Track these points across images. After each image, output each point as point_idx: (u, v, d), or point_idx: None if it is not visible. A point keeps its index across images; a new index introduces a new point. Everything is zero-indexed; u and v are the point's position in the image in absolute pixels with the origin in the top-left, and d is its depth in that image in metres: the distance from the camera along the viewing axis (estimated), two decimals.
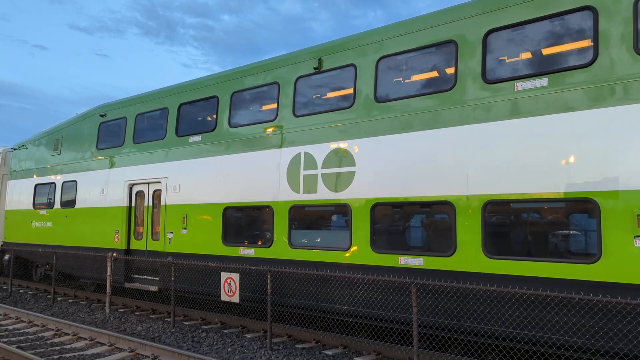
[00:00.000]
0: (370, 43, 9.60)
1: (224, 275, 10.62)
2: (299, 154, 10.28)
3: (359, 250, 9.26)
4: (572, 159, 7.22)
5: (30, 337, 10.46)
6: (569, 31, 7.55)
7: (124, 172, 14.27)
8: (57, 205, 16.47)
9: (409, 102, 8.93)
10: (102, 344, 9.87)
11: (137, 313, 13.30)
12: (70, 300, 15.40)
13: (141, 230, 13.78)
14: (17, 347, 9.39)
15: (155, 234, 13.38)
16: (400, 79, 9.17)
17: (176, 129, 12.99)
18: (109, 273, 12.95)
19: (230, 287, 10.57)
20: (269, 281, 9.55)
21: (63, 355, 8.93)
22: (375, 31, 9.67)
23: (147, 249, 13.44)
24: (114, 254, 13.18)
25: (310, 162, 10.08)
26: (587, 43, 7.37)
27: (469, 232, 8.04)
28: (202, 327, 11.56)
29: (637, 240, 6.61)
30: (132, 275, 13.87)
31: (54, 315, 12.90)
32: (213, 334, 10.81)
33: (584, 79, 7.26)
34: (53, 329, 11.16)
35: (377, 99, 9.33)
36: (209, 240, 11.83)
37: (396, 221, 9.07)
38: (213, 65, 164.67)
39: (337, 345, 9.76)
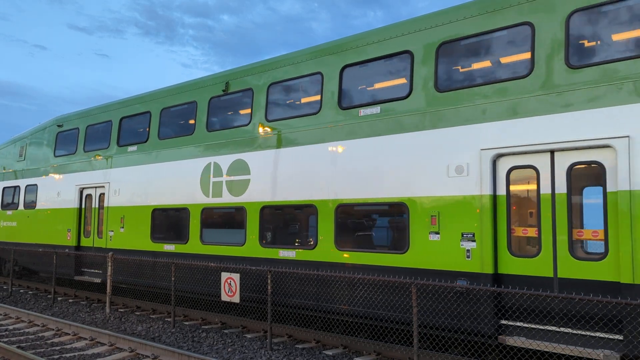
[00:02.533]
0: (264, 71, 11.38)
1: (224, 276, 10.64)
2: (210, 163, 12.06)
3: (251, 245, 11.05)
4: (392, 172, 9.10)
5: (30, 337, 10.46)
6: (395, 69, 9.42)
7: (75, 177, 16.00)
8: (21, 206, 18.33)
9: (290, 122, 10.72)
10: (103, 344, 9.88)
11: (138, 313, 13.31)
12: (70, 300, 15.40)
13: (89, 229, 15.48)
14: (18, 347, 9.40)
15: (100, 232, 15.05)
16: (285, 103, 11.00)
17: (118, 140, 14.75)
18: (109, 273, 12.99)
19: (230, 287, 10.61)
20: (269, 282, 9.55)
21: (63, 355, 8.94)
22: (267, 61, 11.53)
23: (94, 245, 15.15)
24: (112, 254, 13.22)
25: (218, 170, 11.88)
26: (404, 80, 9.21)
27: (326, 230, 9.89)
28: (203, 327, 11.57)
29: (431, 235, 8.50)
30: (82, 269, 15.56)
31: (54, 315, 12.91)
32: (213, 334, 10.82)
33: (403, 109, 9.08)
34: (53, 329, 11.17)
35: (267, 119, 11.11)
36: (140, 238, 13.56)
37: (277, 221, 10.87)
38: (213, 65, 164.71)
39: (337, 345, 9.77)
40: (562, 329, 7.20)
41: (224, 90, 11.94)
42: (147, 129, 13.77)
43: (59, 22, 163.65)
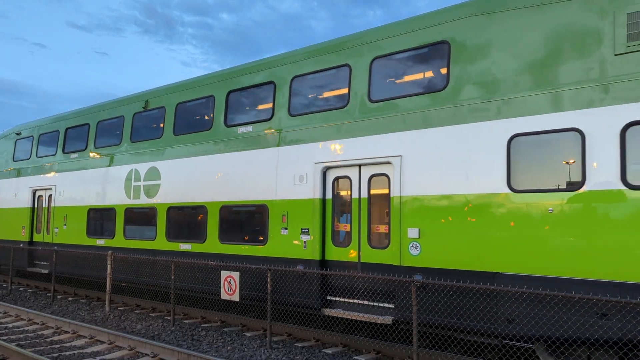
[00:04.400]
0: (173, 92, 13.47)
1: (224, 274, 10.64)
2: (132, 169, 14.11)
3: (160, 240, 13.07)
4: (258, 179, 11.15)
5: (29, 335, 10.46)
6: (263, 96, 11.51)
7: (29, 180, 18.06)
8: None
9: (190, 136, 12.80)
10: (102, 342, 9.87)
11: (137, 311, 13.30)
12: (70, 299, 15.40)
13: (40, 226, 17.47)
14: (17, 345, 9.39)
15: (48, 229, 17.04)
16: (187, 120, 13.07)
17: (63, 147, 16.78)
18: (109, 272, 12.99)
19: (230, 285, 10.62)
20: (269, 280, 9.55)
21: (63, 354, 8.93)
22: (177, 84, 13.60)
23: (44, 240, 17.19)
24: (112, 252, 13.23)
25: (137, 176, 13.93)
26: (269, 105, 11.29)
27: (213, 226, 11.89)
28: (202, 325, 11.56)
29: (282, 230, 10.62)
30: (34, 261, 17.47)
31: (54, 313, 12.90)
32: (213, 332, 10.82)
33: (268, 127, 11.17)
34: (53, 327, 11.16)
35: (175, 133, 13.16)
36: (78, 234, 15.62)
37: (179, 219, 12.79)
38: (212, 64, 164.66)
39: (337, 343, 9.76)
40: (364, 302, 9.41)
41: (144, 107, 14.16)
42: (86, 139, 15.96)
43: (58, 20, 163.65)
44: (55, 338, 10.28)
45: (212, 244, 11.88)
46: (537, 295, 7.25)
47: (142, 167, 13.77)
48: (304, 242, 10.26)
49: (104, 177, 14.93)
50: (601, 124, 7.14)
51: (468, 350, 9.44)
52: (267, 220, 10.86)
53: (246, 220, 11.42)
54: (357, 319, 9.49)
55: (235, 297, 10.50)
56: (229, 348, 9.52)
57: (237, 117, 11.90)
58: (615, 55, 7.16)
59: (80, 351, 9.18)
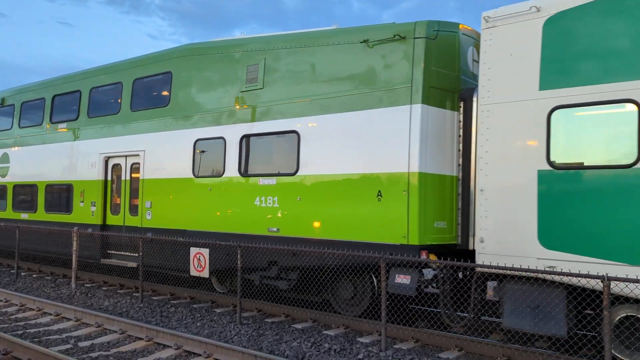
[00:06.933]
0: (19, 94, 17.15)
1: (194, 251, 10.59)
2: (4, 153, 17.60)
3: (8, 210, 16.88)
4: (67, 164, 14.78)
5: None
6: (70, 101, 15.16)
7: None
8: None
9: (28, 130, 16.49)
10: (68, 319, 9.73)
11: (104, 288, 13.15)
12: (34, 275, 15.11)
13: None
14: None
15: None
16: (27, 117, 16.64)
17: None
18: (74, 248, 12.79)
19: (200, 262, 10.59)
20: (239, 256, 9.53)
21: (27, 331, 8.77)
22: (23, 87, 17.33)
23: None
24: (77, 229, 13.01)
25: (4, 158, 17.39)
26: (75, 108, 14.99)
27: (41, 200, 15.53)
28: (171, 302, 11.51)
29: (80, 203, 14.12)
30: None
31: (18, 291, 12.63)
32: (182, 308, 10.78)
33: (72, 126, 14.88)
34: (17, 304, 10.94)
35: (20, 126, 16.85)
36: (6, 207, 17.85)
37: (20, 195, 16.41)
38: (181, 37, 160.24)
39: (306, 319, 9.86)
40: (128, 253, 12.87)
41: (1, 104, 17.85)
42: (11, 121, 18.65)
43: None
44: (20, 315, 10.08)
45: (41, 214, 15.46)
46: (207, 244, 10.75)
47: (3, 152, 17.61)
48: (92, 211, 13.83)
49: None
50: (233, 135, 11.03)
51: (435, 325, 9.67)
52: (72, 196, 14.41)
53: (61, 196, 14.94)
54: (117, 264, 13.10)
55: (205, 274, 10.47)
56: (198, 324, 9.52)
57: (59, 116, 15.42)
58: (241, 92, 10.98)
59: (46, 328, 9.04)
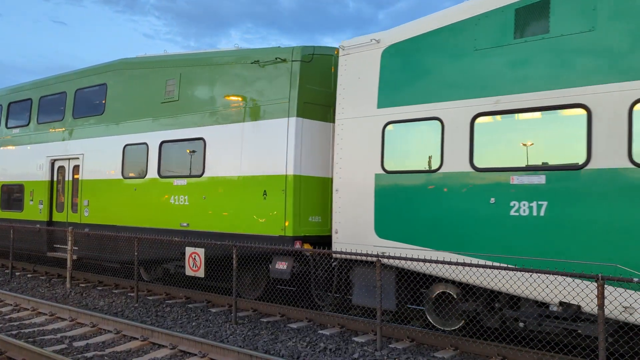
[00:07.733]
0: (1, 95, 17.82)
1: (189, 250, 10.57)
2: None
3: None
4: (20, 165, 16.14)
5: None
6: (56, 104, 15.46)
7: None
8: None
9: None
10: (63, 319, 9.71)
11: (100, 288, 13.11)
12: (29, 275, 15.05)
13: None
14: None
15: None
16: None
17: None
18: (69, 248, 12.74)
19: (195, 262, 10.58)
20: (234, 256, 9.53)
21: (22, 331, 8.74)
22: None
23: None
24: (72, 228, 12.96)
25: None
26: (27, 115, 16.42)
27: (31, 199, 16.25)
28: (167, 301, 11.49)
29: (30, 201, 15.51)
30: None
31: (12, 291, 12.59)
32: (177, 308, 10.77)
33: (26, 131, 16.22)
34: (11, 304, 10.90)
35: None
36: None
37: (13, 194, 16.82)
38: (176, 36, 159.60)
39: (302, 318, 9.87)
40: (74, 248, 13.35)
41: None
42: None
43: None
44: (14, 315, 10.04)
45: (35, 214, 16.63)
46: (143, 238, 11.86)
47: None
48: (40, 209, 15.20)
49: None
50: (154, 141, 12.37)
51: (429, 325, 9.70)
52: (24, 195, 15.77)
53: (15, 195, 16.29)
54: (63, 257, 13.99)
55: (200, 274, 10.47)
56: (194, 324, 9.50)
57: (14, 121, 16.84)
58: (161, 102, 12.36)
59: (41, 328, 9.01)
